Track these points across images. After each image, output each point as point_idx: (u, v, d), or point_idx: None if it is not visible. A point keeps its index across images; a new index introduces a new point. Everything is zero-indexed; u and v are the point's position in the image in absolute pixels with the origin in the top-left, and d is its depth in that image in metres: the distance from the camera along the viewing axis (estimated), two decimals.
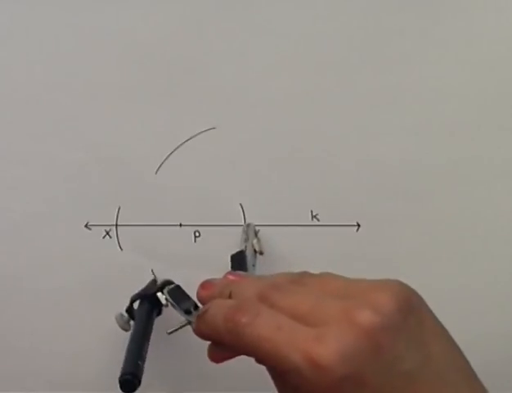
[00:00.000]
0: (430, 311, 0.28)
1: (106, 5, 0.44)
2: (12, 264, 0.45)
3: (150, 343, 0.46)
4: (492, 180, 0.47)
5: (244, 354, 0.29)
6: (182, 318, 0.34)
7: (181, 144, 0.45)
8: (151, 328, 0.40)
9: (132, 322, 0.41)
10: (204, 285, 0.34)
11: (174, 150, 0.45)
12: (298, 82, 0.46)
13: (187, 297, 0.36)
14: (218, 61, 0.45)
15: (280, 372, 0.27)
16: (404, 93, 0.46)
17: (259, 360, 0.27)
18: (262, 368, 0.28)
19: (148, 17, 0.45)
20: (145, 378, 0.46)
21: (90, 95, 0.45)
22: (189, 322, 0.33)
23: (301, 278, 0.30)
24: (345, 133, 0.46)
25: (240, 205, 0.46)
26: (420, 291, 0.48)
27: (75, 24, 0.44)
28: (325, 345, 0.25)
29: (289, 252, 0.46)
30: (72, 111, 0.45)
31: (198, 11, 0.45)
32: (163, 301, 0.37)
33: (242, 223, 0.45)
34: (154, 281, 0.44)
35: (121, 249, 0.45)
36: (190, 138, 0.45)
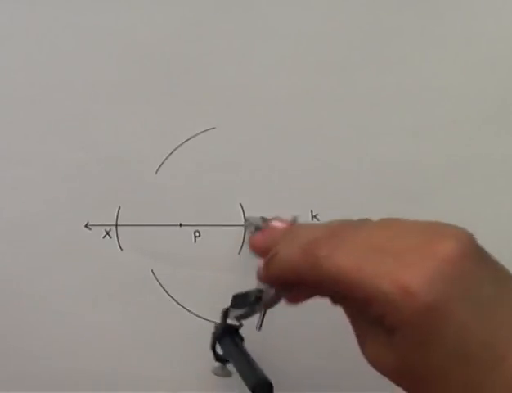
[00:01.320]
0: None
1: (106, 5, 0.44)
2: (12, 264, 0.45)
3: (150, 343, 0.46)
4: (492, 180, 0.47)
5: (322, 289, 0.30)
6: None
7: (181, 144, 0.45)
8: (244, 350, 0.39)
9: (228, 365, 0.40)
10: (264, 232, 0.35)
11: (174, 150, 0.45)
12: (299, 82, 0.46)
13: (245, 294, 0.36)
14: (218, 61, 0.45)
15: (364, 301, 0.27)
16: (404, 93, 0.46)
17: (342, 291, 0.27)
18: None
19: (148, 17, 0.45)
20: (146, 378, 0.46)
21: (90, 95, 0.45)
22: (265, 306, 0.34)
23: (367, 219, 0.31)
24: (345, 133, 0.46)
25: (240, 205, 0.46)
26: None
27: (75, 24, 0.44)
28: (413, 272, 0.25)
29: None
30: (72, 111, 0.45)
31: (198, 11, 0.45)
32: (237, 322, 0.37)
33: (242, 223, 0.45)
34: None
35: (121, 249, 0.45)
36: (190, 138, 0.45)
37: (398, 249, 0.27)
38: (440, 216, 0.46)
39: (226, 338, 0.39)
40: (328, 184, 0.46)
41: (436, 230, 0.27)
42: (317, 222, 0.32)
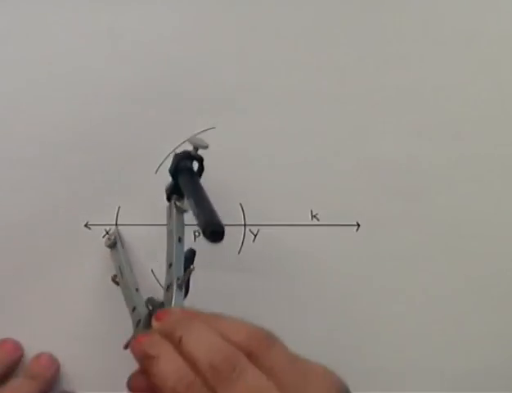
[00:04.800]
0: None
1: (106, 5, 0.44)
2: (12, 264, 0.45)
3: None
4: (492, 180, 0.47)
5: None
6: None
7: (181, 144, 0.45)
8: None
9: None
10: (160, 315, 0.35)
11: (174, 150, 0.45)
12: (298, 82, 0.46)
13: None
14: (218, 61, 0.45)
15: None
16: (404, 93, 0.46)
17: None
18: None
19: (148, 17, 0.45)
20: None
21: (90, 95, 0.45)
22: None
23: (261, 350, 0.30)
24: (345, 133, 0.46)
25: (240, 205, 0.46)
26: (420, 291, 0.48)
27: (75, 25, 0.45)
28: None
29: (289, 252, 0.46)
30: (72, 111, 0.45)
31: (198, 11, 0.45)
32: None
33: (242, 223, 0.45)
34: None
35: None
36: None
37: None
38: (440, 216, 0.46)
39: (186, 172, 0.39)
40: (328, 184, 0.46)
41: None
42: (219, 319, 0.32)
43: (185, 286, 0.38)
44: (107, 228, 0.45)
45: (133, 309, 0.39)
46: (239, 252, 0.45)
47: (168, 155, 0.44)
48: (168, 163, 0.45)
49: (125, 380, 0.46)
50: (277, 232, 0.45)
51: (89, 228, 0.45)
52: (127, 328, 0.46)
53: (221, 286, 0.45)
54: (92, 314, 0.45)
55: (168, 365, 0.31)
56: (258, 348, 0.30)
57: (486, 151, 0.46)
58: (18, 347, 0.44)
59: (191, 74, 0.45)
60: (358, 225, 0.46)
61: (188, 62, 0.45)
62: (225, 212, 0.44)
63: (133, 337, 0.37)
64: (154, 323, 0.35)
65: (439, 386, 0.47)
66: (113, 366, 0.46)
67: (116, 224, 0.45)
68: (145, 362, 0.32)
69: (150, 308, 0.37)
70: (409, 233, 0.46)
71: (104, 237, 0.45)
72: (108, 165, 0.45)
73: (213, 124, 0.45)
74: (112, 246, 0.44)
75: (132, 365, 0.46)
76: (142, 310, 0.38)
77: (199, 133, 0.45)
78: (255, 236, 0.46)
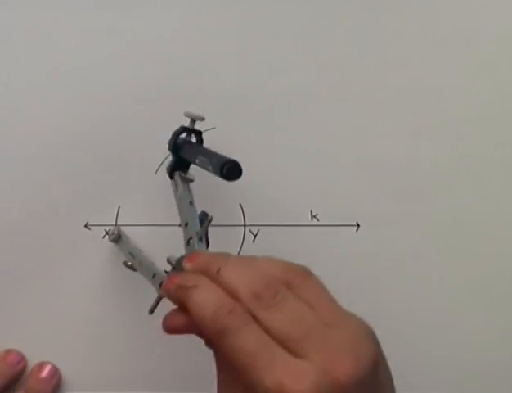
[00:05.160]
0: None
1: (106, 5, 0.44)
2: (12, 264, 0.45)
3: (150, 343, 0.46)
4: (492, 180, 0.47)
5: (212, 347, 0.30)
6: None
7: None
8: None
9: None
10: (191, 256, 0.33)
11: None
12: (298, 82, 0.46)
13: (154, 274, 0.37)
14: (218, 61, 0.45)
15: (246, 384, 0.27)
16: (404, 93, 0.46)
17: (230, 362, 0.28)
18: None
19: (148, 17, 0.45)
20: (145, 378, 0.46)
21: (90, 95, 0.45)
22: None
23: (298, 282, 0.30)
24: (345, 133, 0.46)
25: (240, 205, 0.46)
26: (420, 291, 0.48)
27: (75, 25, 0.44)
28: (301, 382, 0.25)
29: (289, 252, 0.46)
30: (72, 111, 0.45)
31: (198, 11, 0.45)
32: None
33: (242, 223, 0.45)
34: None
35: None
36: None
37: (303, 348, 0.27)
38: (440, 216, 0.46)
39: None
40: (328, 184, 0.46)
41: (348, 343, 0.27)
42: (254, 259, 0.31)
43: (205, 239, 0.37)
44: (107, 228, 0.45)
45: (153, 276, 0.38)
46: (239, 252, 0.45)
47: (168, 155, 0.44)
48: (168, 163, 0.45)
49: (125, 380, 0.46)
50: (277, 232, 0.45)
51: (89, 229, 0.45)
52: (127, 329, 0.46)
53: None
54: (92, 315, 0.45)
55: (208, 294, 0.29)
56: (295, 280, 0.30)
57: (486, 151, 0.46)
58: (21, 359, 0.44)
59: (191, 74, 0.45)
60: (358, 225, 0.46)
61: (188, 62, 0.45)
62: (225, 212, 0.45)
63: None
64: (187, 265, 0.33)
65: (439, 387, 0.47)
66: (113, 366, 0.46)
67: (116, 224, 0.45)
68: (183, 293, 0.30)
69: (173, 262, 0.36)
70: (409, 233, 0.46)
71: (104, 237, 0.45)
72: (108, 165, 0.45)
73: (213, 124, 0.45)
74: (116, 239, 0.44)
75: (133, 365, 0.46)
76: (163, 273, 0.37)
77: None
78: (255, 236, 0.46)
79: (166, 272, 0.37)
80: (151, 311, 0.36)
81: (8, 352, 0.44)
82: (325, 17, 0.46)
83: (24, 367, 0.44)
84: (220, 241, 0.45)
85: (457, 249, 0.46)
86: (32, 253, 0.45)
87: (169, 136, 0.45)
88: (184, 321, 0.31)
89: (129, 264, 0.41)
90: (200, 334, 0.31)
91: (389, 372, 0.29)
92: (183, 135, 0.41)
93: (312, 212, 0.46)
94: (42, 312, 0.45)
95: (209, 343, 0.31)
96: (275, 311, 0.28)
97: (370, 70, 0.46)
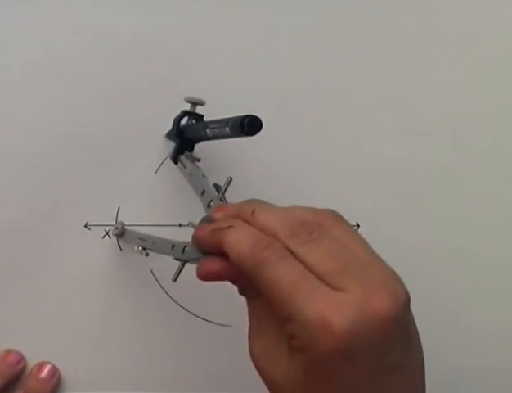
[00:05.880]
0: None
1: (106, 5, 0.44)
2: (11, 264, 0.45)
3: (150, 344, 0.46)
4: (492, 180, 0.47)
5: (248, 284, 0.30)
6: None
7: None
8: None
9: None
10: (220, 207, 0.34)
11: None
12: (298, 82, 0.46)
13: (174, 244, 0.36)
14: (218, 61, 0.45)
15: (285, 316, 0.27)
16: (404, 93, 0.46)
17: (267, 296, 0.27)
18: None
19: (148, 17, 0.45)
20: (146, 378, 0.46)
21: (90, 95, 0.45)
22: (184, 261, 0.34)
23: (330, 224, 0.30)
24: (345, 133, 0.46)
25: None
26: (420, 291, 0.48)
27: (75, 25, 0.44)
28: (342, 313, 0.26)
29: None
30: (72, 111, 0.45)
31: (198, 11, 0.45)
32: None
33: None
34: None
35: (121, 249, 0.45)
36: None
37: (341, 282, 0.27)
38: (440, 216, 0.46)
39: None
40: (328, 184, 0.46)
41: (384, 279, 0.27)
42: (279, 207, 0.31)
43: (225, 202, 0.36)
44: (107, 228, 0.45)
45: (172, 247, 0.37)
46: None
47: (168, 155, 0.44)
48: (168, 163, 0.45)
49: (125, 380, 0.46)
50: None
51: (89, 229, 0.45)
52: (127, 329, 0.46)
53: (221, 286, 0.45)
54: (92, 315, 0.45)
55: (244, 231, 0.30)
56: (328, 222, 0.30)
57: (486, 151, 0.46)
58: (21, 359, 0.44)
59: (191, 73, 0.45)
60: (358, 225, 0.46)
61: (188, 62, 0.45)
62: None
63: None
64: (217, 214, 0.33)
65: (438, 387, 0.47)
66: (113, 366, 0.46)
67: (116, 224, 0.45)
68: (218, 235, 0.30)
69: (196, 224, 0.35)
70: (409, 233, 0.46)
71: (104, 237, 0.45)
72: (108, 165, 0.45)
73: None
74: (120, 233, 0.44)
75: (133, 365, 0.46)
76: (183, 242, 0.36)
77: None
78: None
79: (191, 225, 0.36)
80: (175, 279, 0.35)
81: (8, 352, 0.44)
82: (326, 17, 0.46)
83: (24, 367, 0.44)
84: None
85: (457, 249, 0.46)
86: (32, 253, 0.45)
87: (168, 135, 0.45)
88: (219, 265, 0.31)
89: (140, 248, 0.40)
90: (234, 279, 0.31)
91: (415, 325, 0.29)
92: (184, 120, 0.42)
93: None
94: (42, 312, 0.45)
95: (244, 287, 0.31)
96: (312, 247, 0.28)
97: (370, 70, 0.46)
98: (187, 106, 0.42)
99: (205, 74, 0.45)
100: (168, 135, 0.43)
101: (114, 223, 0.45)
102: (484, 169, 0.46)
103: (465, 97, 0.46)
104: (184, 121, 0.42)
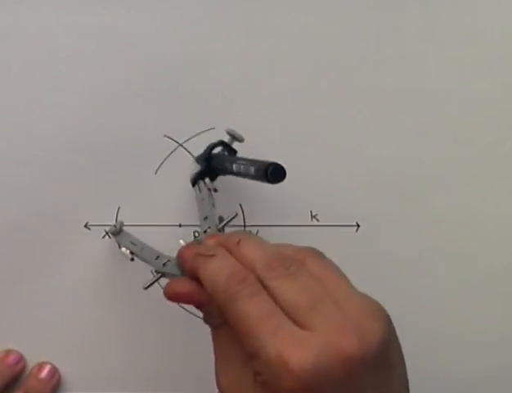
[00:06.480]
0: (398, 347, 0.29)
1: (106, 5, 0.44)
2: (11, 265, 0.45)
3: (150, 343, 0.46)
4: (492, 180, 0.47)
5: (217, 314, 0.30)
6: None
7: (181, 144, 0.45)
8: None
9: None
10: (213, 235, 0.35)
11: (174, 150, 0.45)
12: (298, 82, 0.46)
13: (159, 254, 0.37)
14: (218, 61, 0.45)
15: (249, 354, 0.27)
16: (404, 93, 0.46)
17: (236, 333, 0.28)
18: None
19: (148, 17, 0.45)
20: (145, 378, 0.46)
21: (90, 95, 0.45)
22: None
23: (310, 260, 0.30)
24: (345, 133, 0.46)
25: (240, 205, 0.46)
26: (420, 292, 0.48)
27: (75, 25, 0.44)
28: (303, 353, 0.26)
29: None
30: (72, 111, 0.45)
31: (198, 11, 0.45)
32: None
33: (242, 223, 0.45)
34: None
35: (120, 248, 0.45)
36: (190, 138, 0.45)
37: (309, 320, 0.27)
38: (440, 216, 0.46)
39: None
40: (328, 184, 0.46)
41: (357, 318, 0.27)
42: (264, 241, 0.33)
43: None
44: (107, 228, 0.45)
45: (157, 257, 0.38)
46: None
47: (168, 155, 0.44)
48: (168, 163, 0.45)
49: (125, 380, 0.46)
50: (277, 232, 0.45)
51: (89, 229, 0.45)
52: (127, 329, 0.46)
53: None
54: (92, 315, 0.45)
55: (224, 262, 0.30)
56: (308, 258, 0.30)
57: (486, 152, 0.46)
58: (20, 359, 0.44)
59: (191, 73, 0.45)
60: (358, 225, 0.46)
61: (188, 62, 0.45)
62: (225, 212, 0.45)
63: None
64: (208, 241, 0.34)
65: (438, 389, 0.47)
66: (113, 366, 0.46)
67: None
68: (199, 261, 0.31)
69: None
70: (409, 233, 0.46)
71: (104, 237, 0.45)
72: (108, 165, 0.45)
73: (213, 124, 0.45)
74: (118, 232, 0.43)
75: (132, 365, 0.46)
76: (167, 255, 0.38)
77: (199, 133, 0.45)
78: None
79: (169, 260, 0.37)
80: (146, 288, 0.36)
81: (7, 352, 0.44)
82: (326, 17, 0.46)
83: (24, 367, 0.44)
84: None
85: (457, 249, 0.46)
86: (32, 253, 0.45)
87: (169, 135, 0.45)
88: (188, 289, 0.32)
89: (128, 251, 0.41)
90: (202, 306, 0.32)
91: (401, 355, 0.29)
92: (218, 149, 0.43)
93: (311, 212, 0.46)
94: (41, 312, 0.45)
95: (210, 315, 0.31)
96: (286, 281, 0.28)
97: (370, 70, 0.46)
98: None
99: (205, 74, 0.45)
100: (198, 158, 0.44)
101: (114, 223, 0.45)
102: (484, 169, 0.46)
103: (465, 97, 0.46)
104: (216, 150, 0.43)
